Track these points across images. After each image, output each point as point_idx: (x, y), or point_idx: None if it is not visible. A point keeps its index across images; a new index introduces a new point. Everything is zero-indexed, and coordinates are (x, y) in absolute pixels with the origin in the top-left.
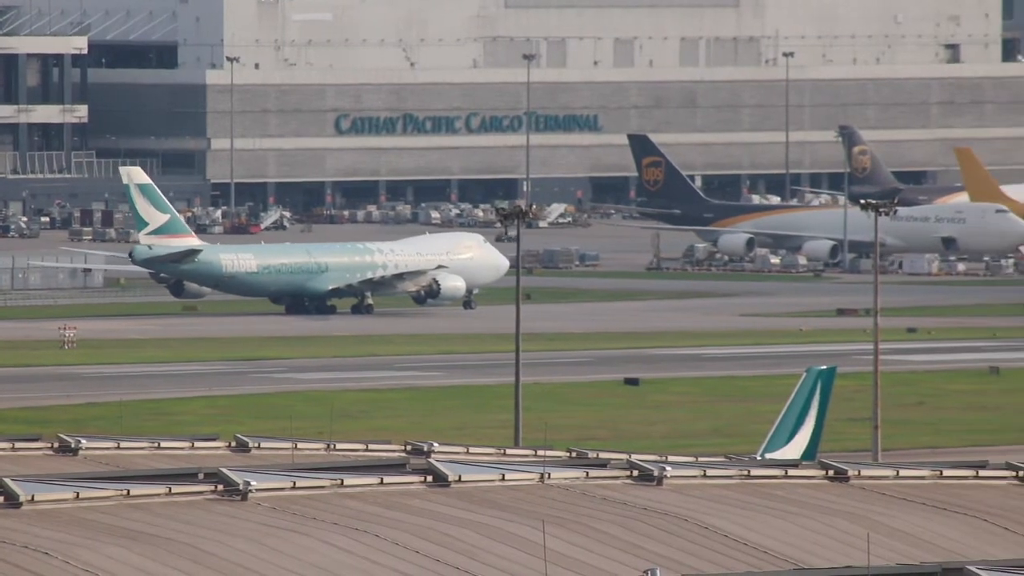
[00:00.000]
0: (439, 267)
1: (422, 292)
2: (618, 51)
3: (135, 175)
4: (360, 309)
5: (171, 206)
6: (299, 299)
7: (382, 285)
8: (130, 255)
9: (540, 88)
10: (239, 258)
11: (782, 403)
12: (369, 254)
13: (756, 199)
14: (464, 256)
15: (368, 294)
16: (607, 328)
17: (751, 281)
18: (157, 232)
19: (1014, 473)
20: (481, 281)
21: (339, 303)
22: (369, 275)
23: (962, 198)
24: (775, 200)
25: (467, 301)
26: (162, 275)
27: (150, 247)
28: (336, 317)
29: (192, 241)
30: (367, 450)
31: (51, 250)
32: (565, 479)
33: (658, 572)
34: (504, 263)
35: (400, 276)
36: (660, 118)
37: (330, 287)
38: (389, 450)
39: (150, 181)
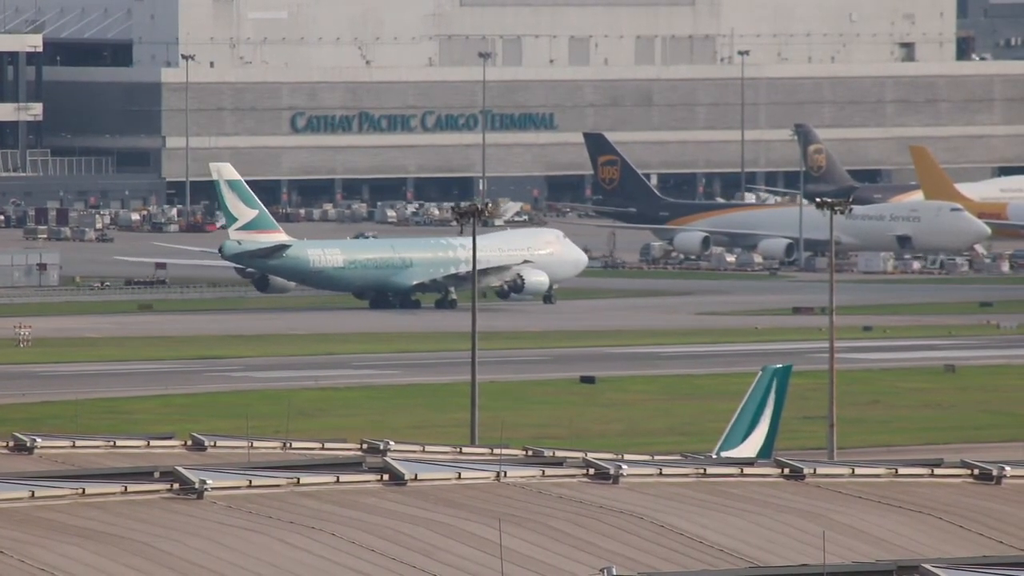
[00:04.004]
0: (525, 262)
1: (506, 287)
2: (574, 49)
3: (224, 171)
4: (444, 304)
5: (259, 201)
6: (383, 294)
7: (466, 280)
8: (220, 250)
9: (496, 86)
10: (326, 253)
11: (738, 401)
12: (452, 249)
13: (745, 198)
14: (545, 251)
15: (452, 289)
16: (563, 326)
17: (707, 280)
18: (246, 228)
19: (969, 471)
20: (562, 276)
21: (423, 298)
22: (453, 270)
23: (917, 196)
24: (771, 200)
25: (547, 296)
26: (248, 270)
27: (239, 243)
28: (421, 311)
29: (281, 237)
30: (323, 449)
31: (136, 246)
32: (521, 478)
33: (614, 570)
34: (584, 258)
35: (484, 271)
36: (616, 116)
37: (414, 282)
38: (345, 449)
39: (239, 177)
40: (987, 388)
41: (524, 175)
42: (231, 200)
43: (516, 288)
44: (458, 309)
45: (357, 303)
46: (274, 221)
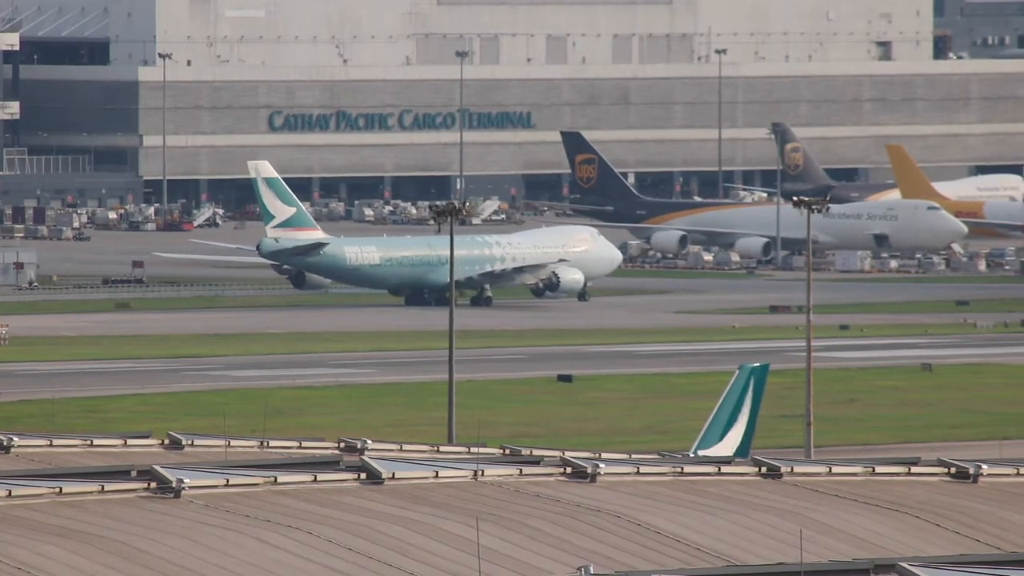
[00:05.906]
0: (561, 260)
1: (541, 285)
2: (551, 48)
3: (263, 169)
4: (479, 301)
5: (296, 199)
6: (419, 291)
7: (501, 278)
8: (257, 248)
9: (473, 85)
10: (363, 251)
11: (715, 400)
12: (488, 247)
13: (743, 195)
14: (579, 249)
15: (487, 286)
16: (540, 325)
17: (684, 278)
18: (283, 225)
19: (946, 470)
20: (596, 273)
21: (458, 295)
22: (489, 268)
23: (894, 195)
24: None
25: (582, 293)
26: (284, 267)
27: (277, 240)
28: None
29: (318, 234)
30: (300, 447)
31: (172, 244)
32: (499, 476)
33: (591, 569)
34: (618, 256)
35: (520, 269)
36: (593, 115)
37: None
38: (323, 447)
39: (277, 175)
40: (964, 387)
41: (502, 174)
42: (268, 198)
43: (551, 286)
44: (493, 306)
45: (393, 300)
46: (311, 219)
